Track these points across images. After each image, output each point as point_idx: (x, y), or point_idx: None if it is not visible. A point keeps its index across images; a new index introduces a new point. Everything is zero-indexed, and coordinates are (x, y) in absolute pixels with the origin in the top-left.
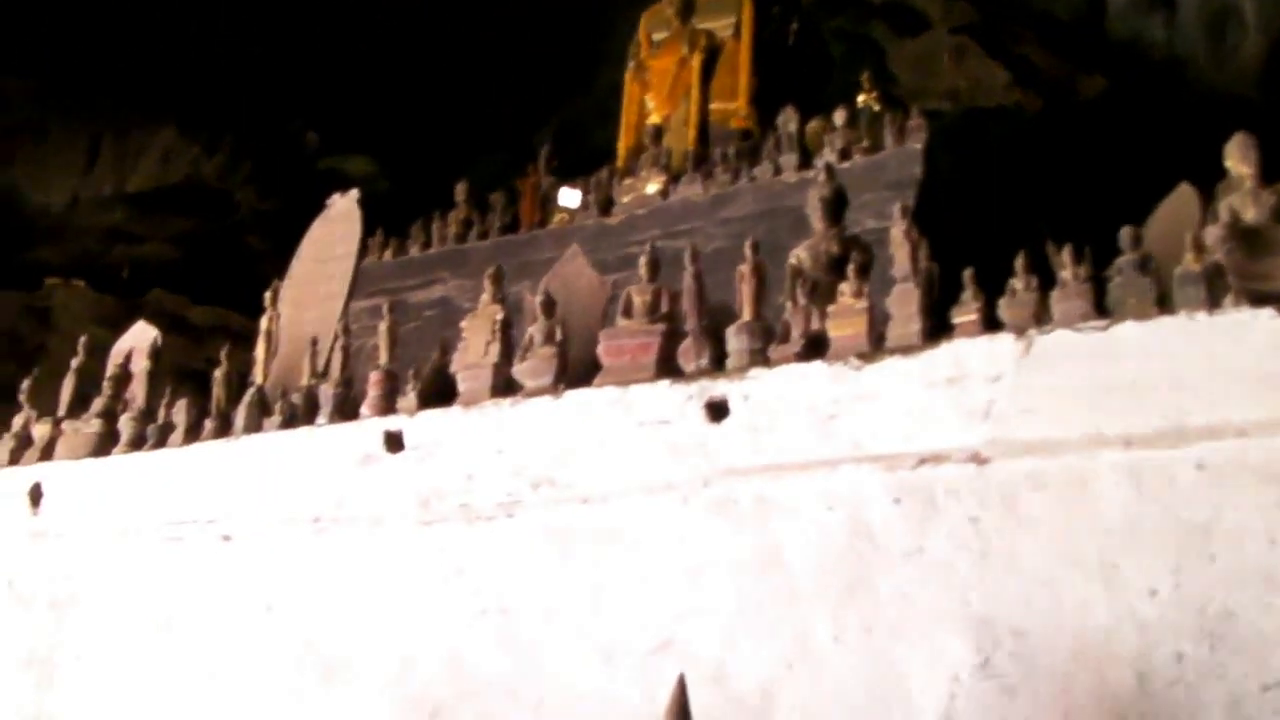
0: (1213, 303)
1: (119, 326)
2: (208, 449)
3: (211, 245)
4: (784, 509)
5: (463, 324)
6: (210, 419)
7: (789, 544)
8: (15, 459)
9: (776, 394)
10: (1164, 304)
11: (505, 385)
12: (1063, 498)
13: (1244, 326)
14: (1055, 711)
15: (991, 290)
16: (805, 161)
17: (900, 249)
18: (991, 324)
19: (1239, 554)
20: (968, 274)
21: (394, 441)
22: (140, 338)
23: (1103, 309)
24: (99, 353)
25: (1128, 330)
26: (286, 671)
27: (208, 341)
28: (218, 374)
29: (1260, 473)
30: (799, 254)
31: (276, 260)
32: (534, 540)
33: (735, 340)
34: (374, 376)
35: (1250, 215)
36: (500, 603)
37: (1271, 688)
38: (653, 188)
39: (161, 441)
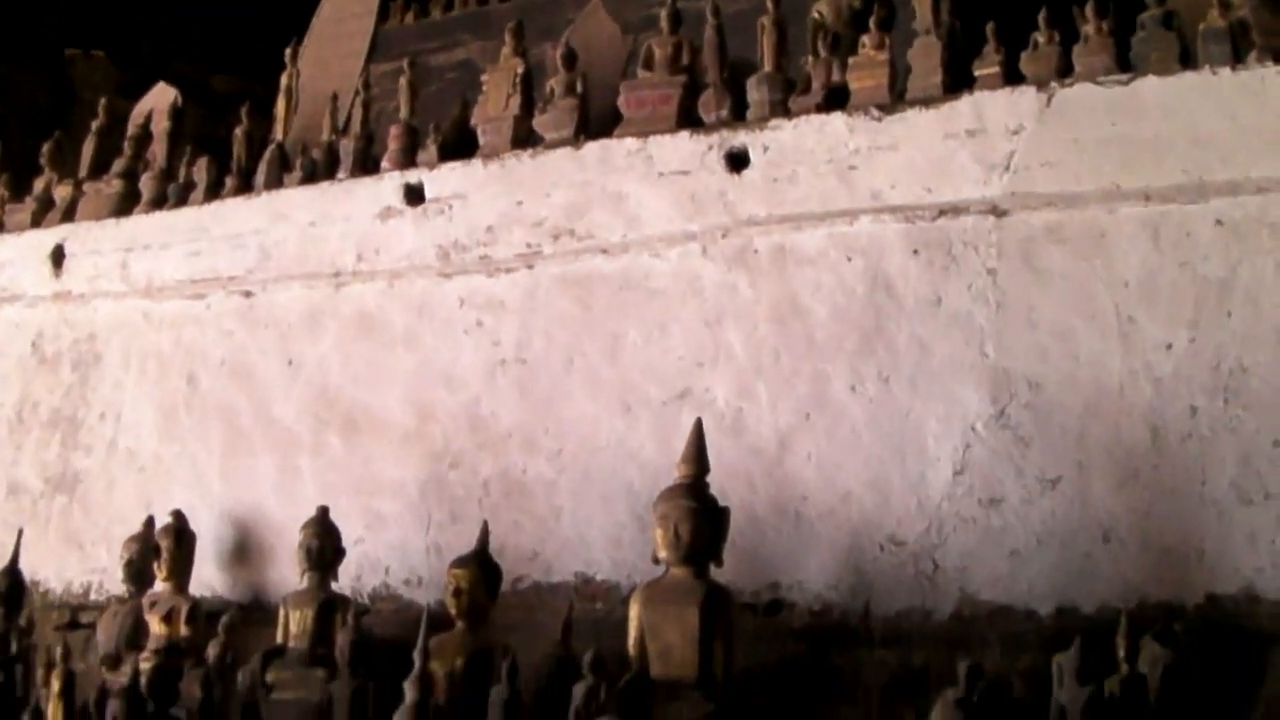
0: (1236, 59)
1: (139, 96)
2: (229, 206)
3: (234, 13)
4: (803, 259)
5: (483, 77)
6: (231, 177)
7: (807, 294)
8: (37, 221)
9: (796, 144)
10: (1186, 60)
11: (526, 137)
12: (1080, 251)
13: (1266, 84)
14: (1068, 462)
15: (1013, 45)
16: None
17: (922, 3)
18: (1013, 77)
19: (1255, 310)
20: (989, 28)
21: (414, 195)
22: (160, 98)
23: (1125, 64)
24: (120, 121)
25: (1149, 85)
26: (307, 425)
27: (229, 110)
28: (238, 132)
29: (1278, 228)
30: (820, 8)
31: (299, 27)
32: (553, 291)
33: (755, 91)
34: (394, 130)
35: None
36: (519, 354)
37: None
38: None
39: (183, 200)
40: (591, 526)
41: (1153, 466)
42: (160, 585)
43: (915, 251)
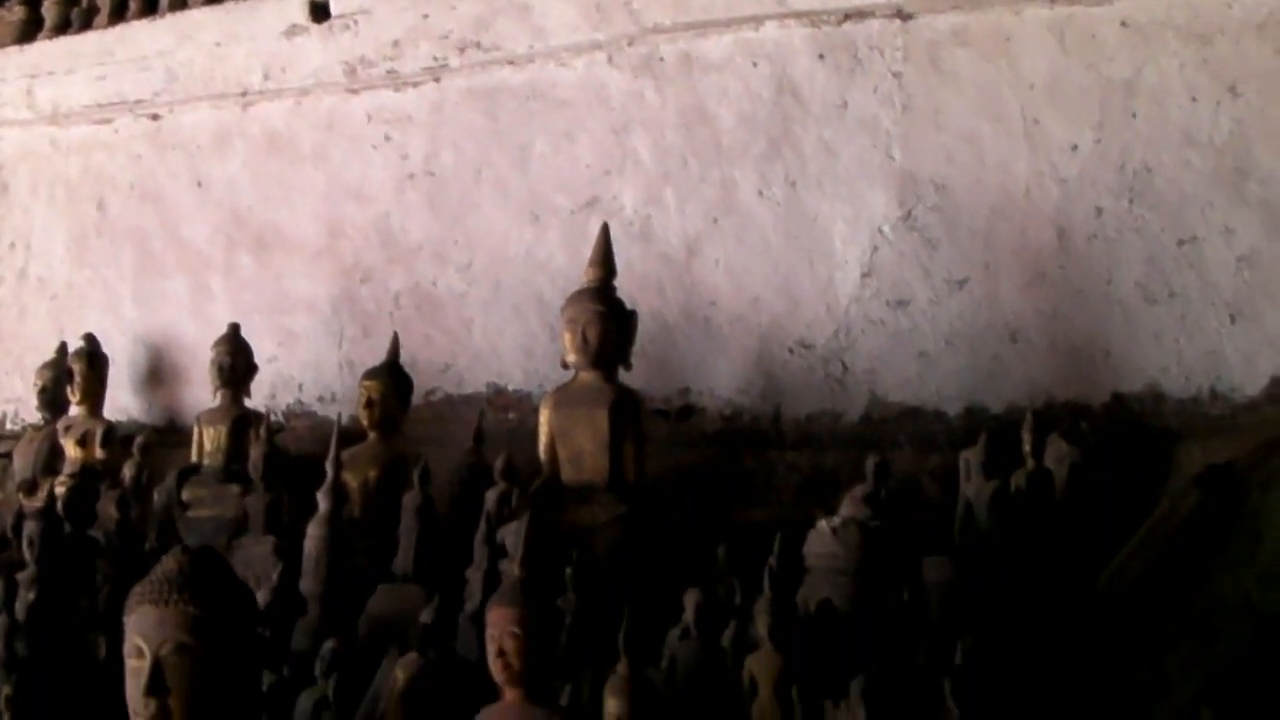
0: None
1: None
2: (134, 29)
3: None
4: (709, 66)
5: None
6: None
7: (714, 101)
8: None
9: None
10: None
11: None
12: (986, 54)
13: None
14: (975, 264)
15: None
16: None
17: None
18: None
19: (1159, 111)
20: None
21: (319, 11)
22: None
23: None
24: None
25: None
26: (218, 245)
27: None
28: None
29: (1183, 31)
30: None
31: None
32: (460, 104)
33: None
34: None
35: None
36: (428, 167)
37: (1187, 243)
38: None
39: (87, 25)
40: (503, 338)
41: (1059, 267)
42: (75, 410)
43: (821, 56)
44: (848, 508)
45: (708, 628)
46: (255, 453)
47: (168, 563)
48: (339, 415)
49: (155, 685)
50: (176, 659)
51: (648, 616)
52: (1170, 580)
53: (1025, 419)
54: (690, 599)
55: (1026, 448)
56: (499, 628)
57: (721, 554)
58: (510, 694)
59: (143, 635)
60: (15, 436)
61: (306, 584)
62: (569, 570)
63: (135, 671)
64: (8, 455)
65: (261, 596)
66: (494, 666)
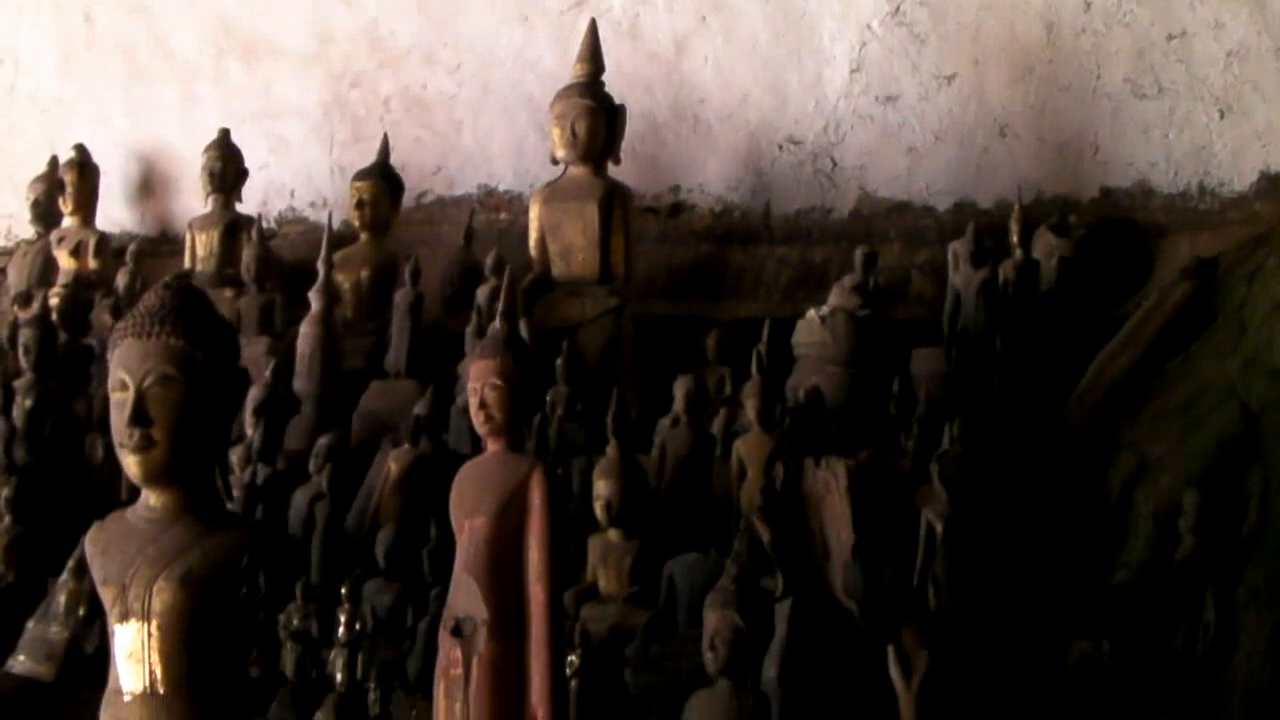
0: None
1: None
2: None
3: None
4: None
5: None
6: None
7: None
8: None
9: None
10: None
11: None
12: None
13: None
14: (964, 59)
15: None
16: None
17: None
18: None
19: None
20: None
21: None
22: None
23: None
24: None
25: None
26: (207, 54)
27: None
28: None
29: None
30: None
31: None
32: None
33: None
34: None
35: None
36: None
37: (1176, 37)
38: None
39: None
40: (493, 139)
41: (1048, 62)
42: (67, 221)
43: None
44: (836, 297)
45: (698, 415)
46: (248, 255)
47: (150, 297)
48: (330, 216)
49: (139, 416)
50: (160, 390)
51: (637, 407)
52: (1156, 370)
53: (1014, 211)
54: (680, 387)
55: (1014, 238)
56: (480, 380)
57: (711, 344)
58: (493, 445)
59: (126, 368)
60: (8, 252)
61: (300, 383)
62: (559, 362)
63: (119, 404)
64: (2, 271)
65: (255, 395)
66: (476, 419)
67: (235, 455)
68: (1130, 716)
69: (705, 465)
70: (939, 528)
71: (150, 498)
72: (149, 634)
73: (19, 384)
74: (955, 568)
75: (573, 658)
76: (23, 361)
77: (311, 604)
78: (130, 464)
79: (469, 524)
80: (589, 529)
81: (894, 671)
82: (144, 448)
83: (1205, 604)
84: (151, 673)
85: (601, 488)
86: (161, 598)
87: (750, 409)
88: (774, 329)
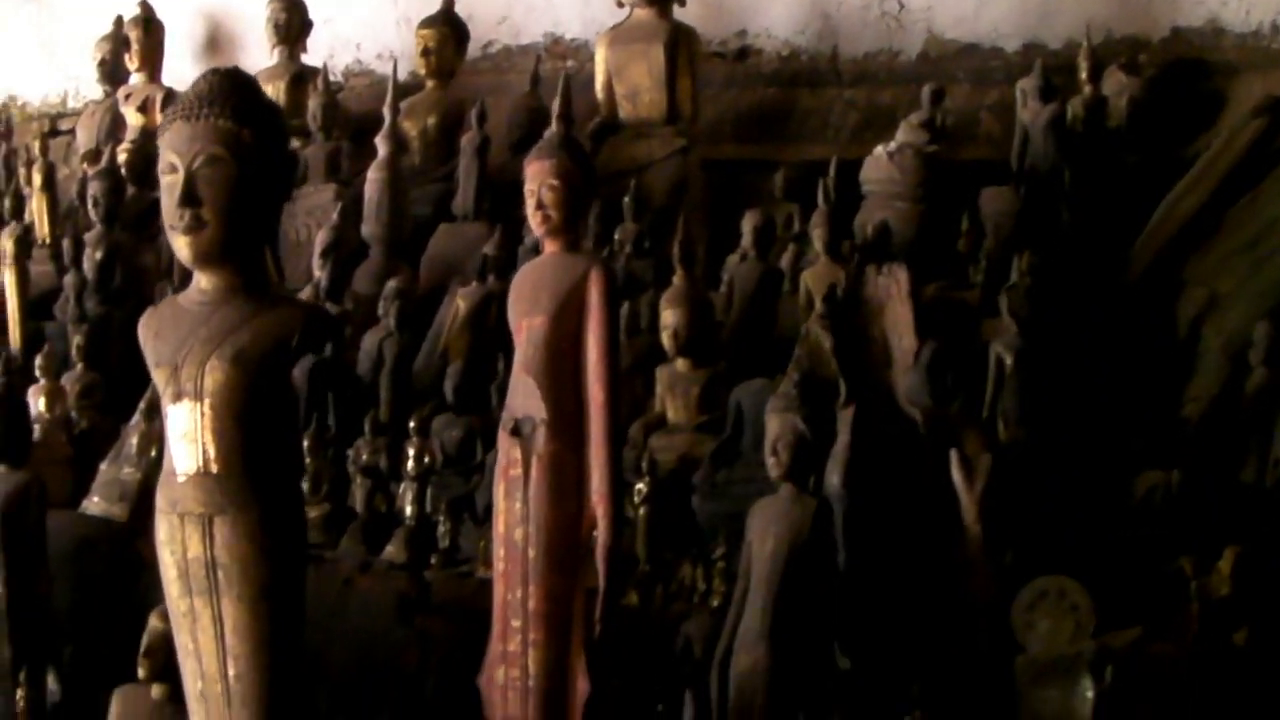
0: None
1: None
2: None
3: None
4: None
5: None
6: None
7: None
8: None
9: None
10: None
11: None
12: None
13: None
14: None
15: None
16: None
17: None
18: None
19: None
20: None
21: None
22: None
23: None
24: None
25: None
26: None
27: None
28: None
29: None
30: None
31: None
32: None
33: None
34: None
35: None
36: None
37: None
38: None
39: None
40: None
41: None
42: (134, 78)
43: None
44: (904, 134)
45: (765, 249)
46: (314, 104)
47: (198, 83)
48: (395, 64)
49: (189, 197)
50: (209, 170)
51: (705, 246)
52: (1225, 208)
53: (1082, 49)
54: (748, 221)
55: (1084, 75)
56: (537, 180)
57: (778, 182)
58: (550, 245)
59: (175, 150)
60: (76, 113)
61: (368, 228)
62: (626, 201)
63: (169, 187)
64: (71, 132)
65: (322, 238)
66: (533, 220)
67: (303, 297)
68: (1198, 548)
69: (773, 299)
70: (1008, 361)
71: (201, 280)
72: (201, 414)
73: (89, 236)
74: (1024, 400)
75: (640, 486)
76: (92, 215)
77: (381, 440)
78: (180, 246)
79: (527, 324)
80: (658, 363)
81: (957, 476)
82: (194, 229)
83: (1275, 436)
84: (204, 452)
85: (668, 317)
86: (213, 377)
87: (817, 240)
88: (841, 170)
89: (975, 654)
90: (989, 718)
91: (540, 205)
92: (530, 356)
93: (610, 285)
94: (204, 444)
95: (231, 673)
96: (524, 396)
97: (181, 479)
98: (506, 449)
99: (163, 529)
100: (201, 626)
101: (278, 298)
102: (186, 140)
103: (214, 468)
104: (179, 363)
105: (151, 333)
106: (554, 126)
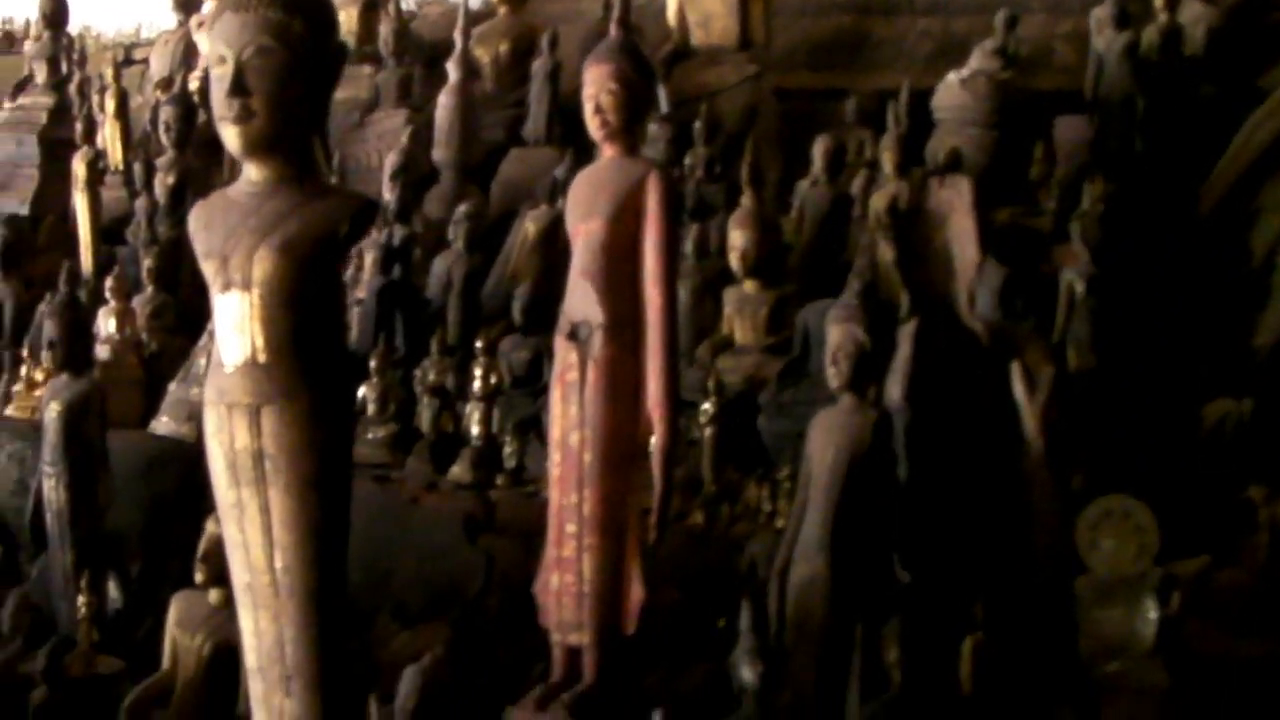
0: None
1: None
2: None
3: None
4: None
5: None
6: None
7: None
8: None
9: None
10: None
11: None
12: None
13: None
14: None
15: None
16: None
17: None
18: None
19: None
20: None
21: None
22: None
23: None
24: None
25: None
26: None
27: None
28: None
29: None
30: None
31: None
32: None
33: None
34: None
35: None
36: None
37: None
38: None
39: None
40: None
41: None
42: (207, 6)
43: None
44: (976, 60)
45: (836, 175)
46: (385, 29)
47: None
48: None
49: (238, 86)
50: (258, 61)
51: (777, 173)
52: None
53: None
54: (819, 146)
55: (1159, 3)
56: (596, 85)
57: (851, 108)
58: (609, 150)
59: (225, 40)
60: (150, 44)
61: (439, 153)
62: (697, 125)
63: (219, 78)
64: (144, 61)
65: (392, 160)
66: (591, 124)
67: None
68: (1267, 477)
69: (843, 224)
70: (1079, 288)
71: (251, 171)
72: (250, 304)
73: (161, 161)
74: (1095, 327)
75: (707, 406)
76: (164, 140)
77: (448, 360)
78: (230, 136)
79: (584, 228)
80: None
81: (1019, 388)
82: (243, 118)
83: None
84: (253, 342)
85: (736, 238)
86: (262, 266)
87: (887, 163)
88: (914, 99)
89: (1037, 571)
90: (1050, 637)
91: (598, 110)
92: (587, 261)
93: (668, 190)
94: (252, 334)
95: (279, 564)
96: (581, 301)
97: (229, 369)
98: (563, 354)
99: (211, 420)
100: (249, 518)
101: (327, 188)
102: (236, 31)
103: (262, 357)
104: (228, 253)
105: (201, 224)
106: (613, 31)
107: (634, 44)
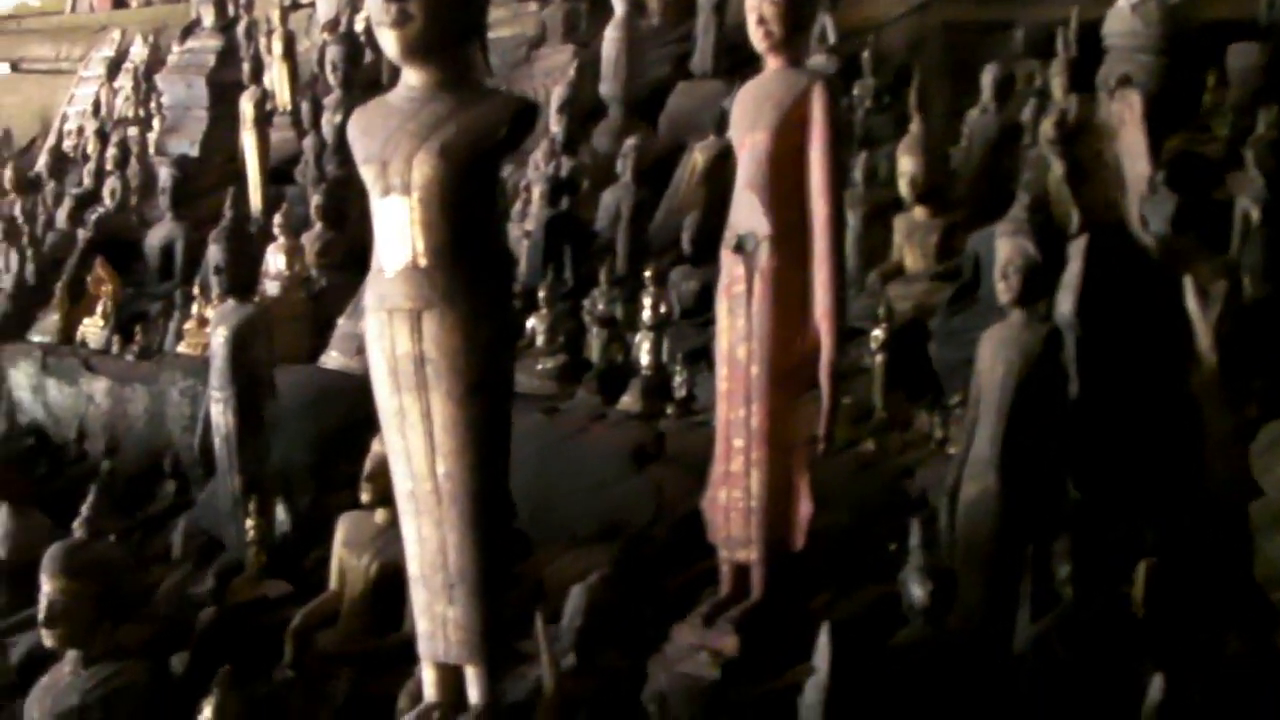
0: None
1: None
2: None
3: None
4: None
5: None
6: None
7: None
8: None
9: None
10: None
11: None
12: None
13: None
14: None
15: None
16: None
17: None
18: None
19: None
20: None
21: None
22: None
23: None
24: None
25: None
26: None
27: None
28: None
29: None
30: None
31: None
32: None
33: None
34: None
35: None
36: None
37: None
38: None
39: None
40: None
41: None
42: None
43: None
44: None
45: (1005, 102)
46: None
47: None
48: None
49: None
50: None
51: (945, 104)
52: None
53: None
54: (988, 74)
55: None
56: None
57: (1019, 38)
58: (773, 61)
59: None
60: None
61: (605, 86)
62: (865, 56)
63: None
64: (310, 4)
65: (559, 94)
66: (755, 36)
67: (540, 152)
68: None
69: (1012, 151)
70: (1254, 214)
71: (409, 76)
72: (410, 208)
73: (328, 100)
74: (1270, 253)
75: (877, 333)
76: (331, 79)
77: (617, 290)
78: (388, 40)
79: (749, 139)
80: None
81: (1192, 303)
82: (401, 22)
83: None
84: (413, 246)
85: (906, 164)
86: (421, 170)
87: (1057, 87)
88: (1083, 29)
89: (1210, 492)
90: (1223, 562)
91: (761, 20)
92: (752, 172)
93: (833, 100)
94: (412, 238)
95: (440, 470)
96: (746, 212)
97: (390, 274)
98: (729, 266)
99: (372, 326)
100: (410, 424)
101: (486, 91)
102: None
103: (422, 261)
104: (387, 158)
105: (360, 130)
106: None
107: None
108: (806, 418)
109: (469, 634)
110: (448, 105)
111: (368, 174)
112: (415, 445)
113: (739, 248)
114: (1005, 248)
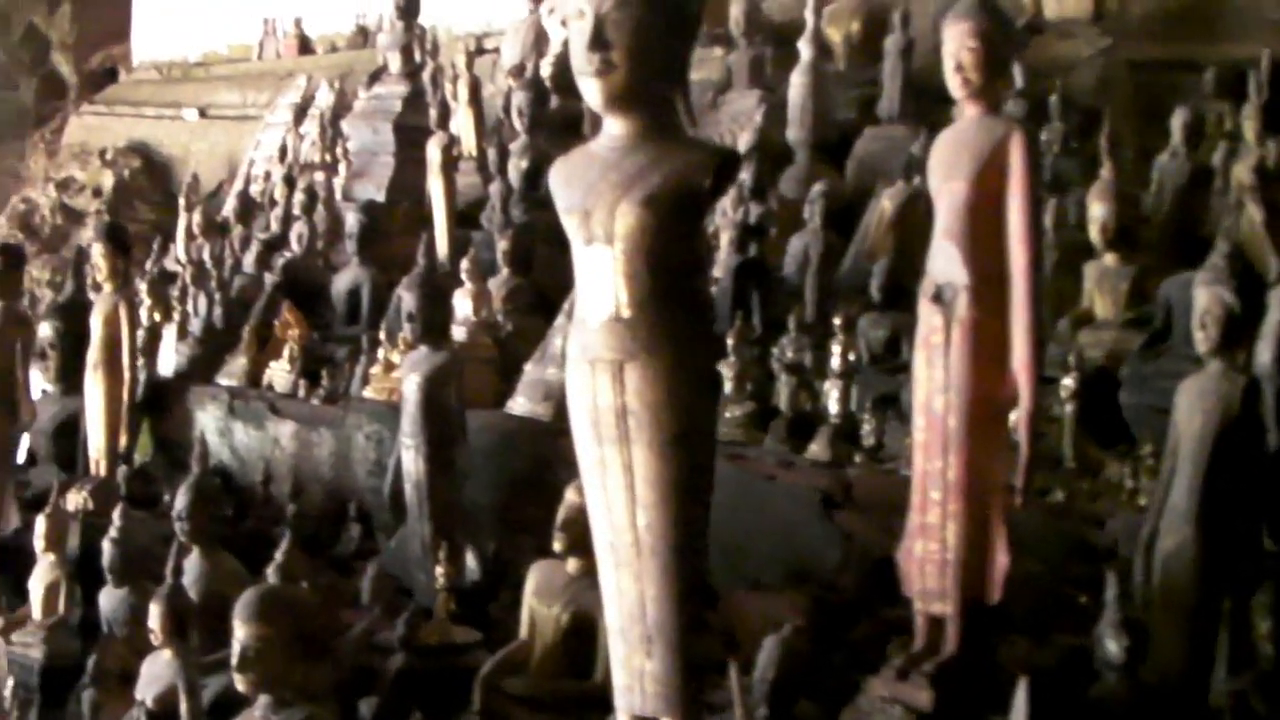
0: None
1: None
2: None
3: None
4: None
5: None
6: None
7: None
8: None
9: None
10: None
11: None
12: None
13: None
14: None
15: None
16: None
17: None
18: None
19: None
20: None
21: None
22: None
23: None
24: None
25: None
26: None
27: None
28: None
29: None
30: None
31: None
32: None
33: None
34: None
35: None
36: None
37: None
38: None
39: None
40: None
41: None
42: None
43: None
44: None
45: (1195, 146)
46: (736, 11)
47: None
48: None
49: (598, 40)
50: (618, 14)
51: (1134, 146)
52: None
53: None
54: (1178, 119)
55: None
56: (956, 42)
57: (1209, 80)
58: (970, 108)
59: None
60: (501, 35)
61: (793, 132)
62: (1053, 99)
63: (579, 31)
64: (495, 51)
65: (746, 139)
66: (953, 83)
67: (728, 198)
68: None
69: (1203, 196)
70: None
71: (611, 125)
72: (613, 258)
73: (514, 146)
74: None
75: (1068, 381)
76: (516, 124)
77: (805, 338)
78: (590, 89)
79: (946, 188)
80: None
81: None
82: (605, 71)
83: None
84: (616, 297)
85: (1096, 209)
86: (624, 221)
87: (1249, 131)
88: (1275, 67)
89: None
90: None
91: (959, 67)
92: (950, 221)
93: (1032, 148)
94: (615, 289)
95: (641, 522)
96: (944, 262)
97: (593, 325)
98: (927, 316)
99: (574, 377)
100: (612, 476)
101: (689, 141)
102: None
103: (626, 312)
104: (589, 207)
105: (562, 179)
106: None
107: (992, 1)
108: (1003, 468)
109: (666, 688)
110: (650, 155)
111: (570, 224)
112: (616, 497)
113: (937, 297)
114: (1203, 297)
